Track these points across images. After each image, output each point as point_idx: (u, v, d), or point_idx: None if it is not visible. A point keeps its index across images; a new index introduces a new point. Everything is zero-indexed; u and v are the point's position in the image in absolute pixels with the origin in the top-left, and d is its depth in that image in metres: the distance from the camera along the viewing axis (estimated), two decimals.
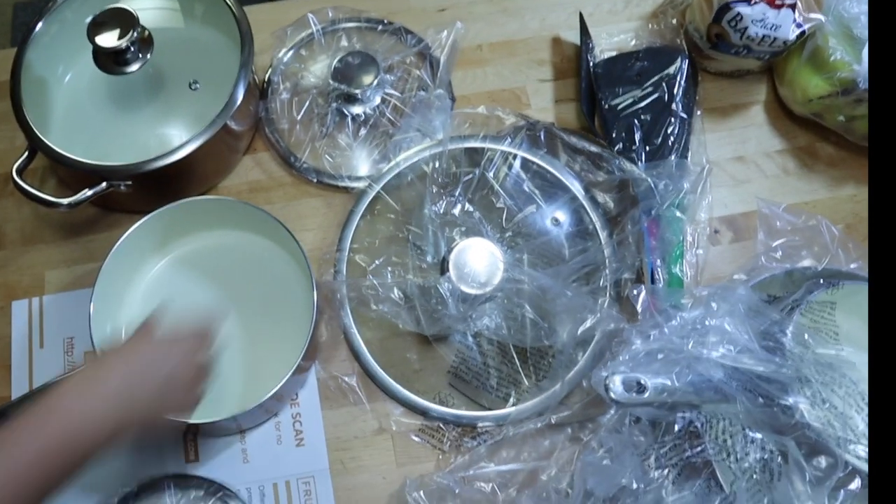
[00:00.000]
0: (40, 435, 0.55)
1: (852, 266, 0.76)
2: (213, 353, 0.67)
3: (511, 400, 0.77)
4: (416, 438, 0.77)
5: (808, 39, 0.83)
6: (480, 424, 0.76)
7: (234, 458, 0.77)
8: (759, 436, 0.64)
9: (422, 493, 0.71)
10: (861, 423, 0.65)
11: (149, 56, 0.82)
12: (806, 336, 0.66)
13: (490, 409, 0.77)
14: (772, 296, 0.74)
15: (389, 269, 0.79)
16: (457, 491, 0.71)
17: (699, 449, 0.66)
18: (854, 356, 0.68)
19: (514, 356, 0.78)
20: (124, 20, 0.79)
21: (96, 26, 0.79)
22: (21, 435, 0.55)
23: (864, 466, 0.63)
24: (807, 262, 0.77)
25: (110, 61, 0.81)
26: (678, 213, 0.78)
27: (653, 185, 0.77)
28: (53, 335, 0.81)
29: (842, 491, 0.62)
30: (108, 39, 0.78)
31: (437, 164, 0.81)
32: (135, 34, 0.78)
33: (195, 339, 0.66)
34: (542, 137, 0.84)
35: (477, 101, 0.89)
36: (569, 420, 0.74)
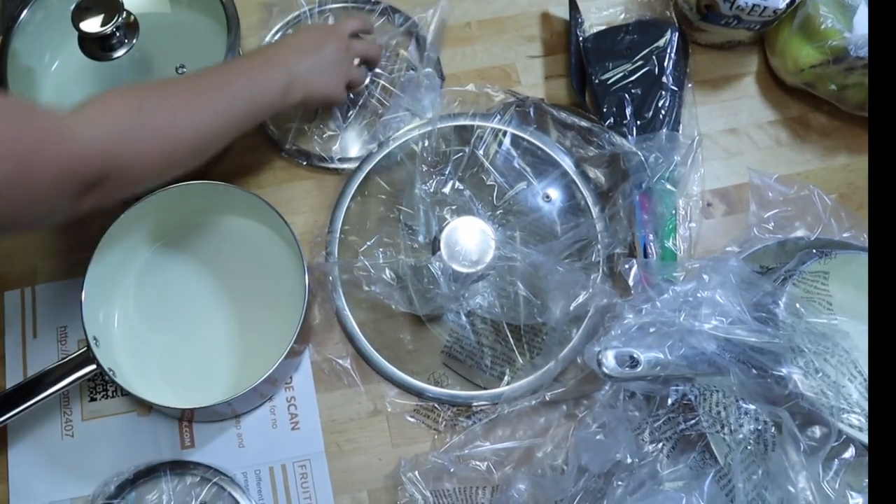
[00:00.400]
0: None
1: (845, 235, 0.75)
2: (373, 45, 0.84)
3: (506, 378, 0.77)
4: (412, 419, 0.77)
5: (799, 8, 0.82)
6: (475, 403, 0.76)
7: (229, 443, 0.77)
8: (752, 407, 0.64)
9: (417, 472, 0.71)
10: (854, 391, 0.65)
11: (135, 41, 0.81)
12: (798, 306, 0.65)
13: (485, 388, 0.77)
14: (764, 267, 0.74)
15: (381, 249, 0.79)
16: (452, 470, 0.71)
17: (693, 422, 0.65)
18: (847, 325, 0.68)
19: (508, 334, 0.77)
20: (109, 5, 0.78)
21: (81, 12, 0.78)
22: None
23: (859, 435, 0.63)
24: (800, 233, 0.76)
25: (96, 47, 0.81)
26: (669, 186, 0.77)
27: (643, 159, 0.76)
28: (47, 325, 0.81)
29: (836, 460, 0.62)
30: (93, 25, 0.78)
31: (426, 144, 0.81)
32: (119, 19, 0.78)
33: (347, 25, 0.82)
34: (532, 114, 0.84)
35: (466, 79, 0.89)
36: (563, 397, 0.74)
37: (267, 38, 0.91)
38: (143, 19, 0.82)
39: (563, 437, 0.73)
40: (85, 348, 0.72)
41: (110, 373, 0.71)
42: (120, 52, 0.81)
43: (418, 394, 0.77)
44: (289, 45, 0.78)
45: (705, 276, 0.66)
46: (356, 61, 0.83)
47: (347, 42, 0.80)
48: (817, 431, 0.63)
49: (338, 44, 0.78)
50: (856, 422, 0.63)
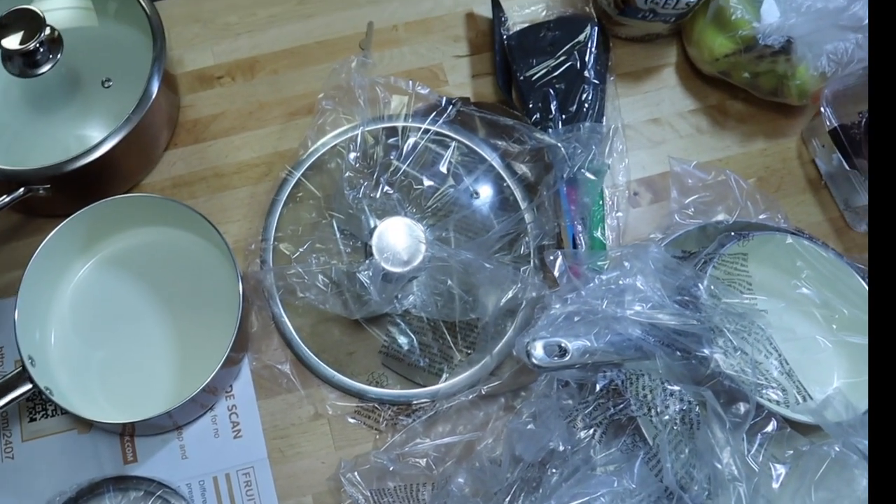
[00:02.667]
0: None
1: (762, 217, 0.78)
2: None
3: (444, 375, 0.78)
4: (353, 420, 0.77)
5: (711, 0, 0.84)
6: (415, 401, 0.77)
7: (172, 455, 0.77)
8: (677, 388, 0.65)
9: (356, 473, 0.71)
10: (772, 367, 0.67)
11: (59, 56, 0.80)
12: (713, 288, 0.67)
13: (423, 386, 0.78)
14: (687, 251, 0.76)
15: (314, 255, 0.79)
16: (392, 468, 0.72)
17: (622, 406, 0.67)
18: (767, 304, 0.71)
19: (445, 331, 0.79)
20: (30, 21, 0.77)
21: (1, 28, 0.77)
22: None
23: (778, 409, 0.65)
24: (719, 217, 0.79)
25: (20, 64, 0.80)
26: (590, 175, 0.79)
27: (564, 151, 0.78)
28: None
29: (759, 434, 0.64)
30: (14, 41, 0.77)
31: (353, 146, 0.82)
32: (42, 35, 0.77)
33: None
34: (459, 113, 0.85)
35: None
36: (499, 390, 0.75)
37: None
38: (68, 34, 0.82)
39: (501, 430, 0.74)
40: (20, 368, 0.72)
41: (47, 391, 0.70)
42: (45, 68, 0.80)
43: (359, 395, 0.78)
44: None
45: (626, 264, 0.68)
46: None
47: None
48: (740, 408, 0.65)
49: None
50: (774, 396, 0.66)
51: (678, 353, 0.66)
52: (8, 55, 0.79)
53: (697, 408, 0.65)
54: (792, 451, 0.65)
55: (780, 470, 0.64)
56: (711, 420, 0.64)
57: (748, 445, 0.64)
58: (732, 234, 0.74)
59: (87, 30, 0.88)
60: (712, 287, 0.68)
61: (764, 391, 0.66)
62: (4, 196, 0.78)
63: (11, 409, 0.77)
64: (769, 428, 0.64)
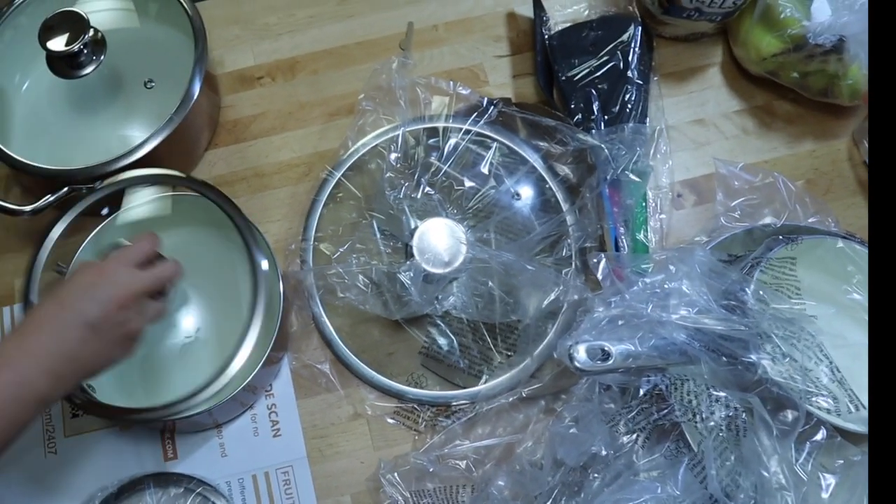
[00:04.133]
0: None
1: (811, 220, 0.76)
2: (162, 280, 0.66)
3: (484, 377, 0.78)
4: (392, 421, 0.77)
5: None
6: (454, 403, 0.77)
7: (212, 452, 0.77)
8: (723, 394, 0.64)
9: (396, 474, 0.71)
10: (822, 374, 0.66)
11: (102, 57, 0.81)
12: (762, 292, 0.66)
13: (463, 387, 0.77)
14: (733, 255, 0.75)
15: (354, 256, 0.79)
16: (432, 470, 0.72)
17: (666, 411, 0.66)
18: (816, 309, 0.69)
19: (485, 333, 0.78)
20: (75, 23, 0.78)
21: (47, 31, 0.78)
22: None
23: (828, 417, 0.64)
24: (766, 220, 0.77)
25: (64, 65, 0.81)
26: (634, 177, 0.78)
27: (608, 152, 0.77)
28: None
29: (807, 443, 0.63)
30: (60, 43, 0.78)
31: (393, 147, 0.81)
32: (86, 37, 0.78)
33: (134, 256, 0.65)
34: (500, 114, 0.84)
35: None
36: (540, 392, 0.75)
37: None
38: (111, 35, 0.83)
39: (542, 433, 0.74)
40: None
41: (90, 389, 0.71)
42: (88, 70, 0.81)
43: (398, 396, 0.78)
44: (57, 330, 0.59)
45: (672, 267, 0.67)
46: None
47: (128, 296, 0.62)
48: (788, 415, 0.64)
49: (114, 310, 0.61)
50: (824, 404, 0.64)
51: (724, 358, 0.65)
52: (53, 57, 0.80)
53: (744, 414, 0.64)
54: (842, 461, 0.63)
55: (830, 480, 0.63)
56: (758, 427, 0.63)
57: (796, 454, 0.62)
58: (780, 237, 0.72)
59: (130, 31, 0.89)
60: (760, 291, 0.66)
61: (814, 399, 0.64)
62: (49, 195, 0.79)
63: (55, 406, 0.78)
64: (818, 436, 0.63)
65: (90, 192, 0.80)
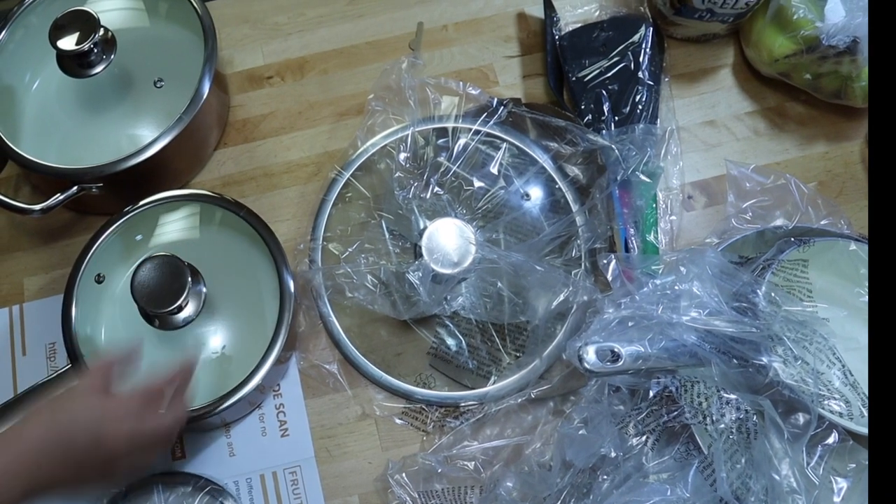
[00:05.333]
0: None
1: (823, 223, 0.76)
2: (174, 416, 0.62)
3: (492, 377, 0.77)
4: (400, 421, 0.77)
5: None
6: (463, 404, 0.77)
7: (220, 452, 0.77)
8: (734, 397, 0.64)
9: (404, 475, 0.71)
10: (834, 378, 0.65)
11: (112, 57, 0.82)
12: (774, 294, 0.65)
13: (472, 388, 0.77)
14: (744, 257, 0.74)
15: (363, 255, 0.79)
16: (440, 470, 0.71)
17: (676, 413, 0.66)
18: (828, 312, 0.69)
19: (493, 334, 0.78)
20: (85, 22, 0.79)
21: (57, 30, 0.78)
22: None
23: (840, 421, 0.63)
24: (778, 222, 0.77)
25: (74, 64, 0.81)
26: (644, 178, 0.78)
27: (618, 153, 0.77)
28: (35, 342, 0.81)
29: (819, 446, 0.62)
30: (70, 42, 0.78)
31: (403, 147, 0.81)
32: (96, 36, 0.78)
33: (146, 397, 0.60)
34: (510, 114, 0.84)
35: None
36: (549, 394, 0.74)
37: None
38: (121, 35, 0.83)
39: (550, 434, 0.73)
40: (71, 364, 0.72)
41: None
42: (98, 69, 0.81)
43: (406, 396, 0.78)
44: (42, 444, 0.56)
45: (682, 269, 0.66)
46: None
47: (124, 450, 0.59)
48: (799, 419, 0.63)
49: (107, 458, 0.58)
50: (836, 408, 0.64)
51: (735, 360, 0.65)
52: (63, 56, 0.80)
53: (755, 417, 0.64)
54: (854, 465, 0.63)
55: (842, 484, 0.62)
56: (769, 430, 0.62)
57: (807, 457, 0.62)
58: (792, 239, 0.72)
59: (140, 30, 0.89)
60: (772, 293, 0.66)
61: (826, 402, 0.64)
62: (58, 194, 0.79)
63: None
64: (830, 440, 0.62)
65: (99, 190, 0.81)
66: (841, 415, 0.64)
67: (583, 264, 0.78)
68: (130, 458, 0.60)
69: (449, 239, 0.74)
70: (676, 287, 0.66)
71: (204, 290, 0.74)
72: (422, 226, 0.77)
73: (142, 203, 0.79)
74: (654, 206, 0.80)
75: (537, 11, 0.93)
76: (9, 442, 0.56)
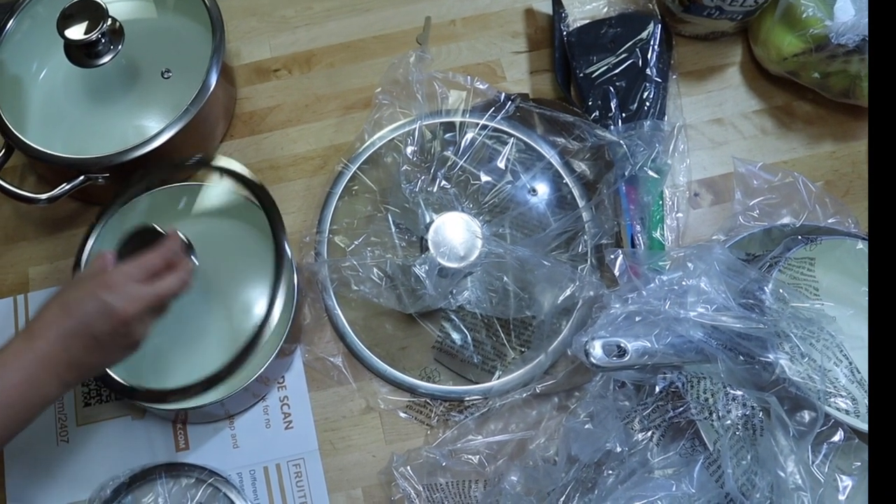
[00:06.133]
0: None
1: (830, 221, 0.76)
2: (178, 276, 0.66)
3: (497, 372, 0.77)
4: (404, 415, 0.77)
5: None
6: (467, 398, 0.77)
7: (223, 444, 0.77)
8: (740, 393, 0.64)
9: (409, 468, 0.71)
10: (841, 375, 0.65)
11: (120, 47, 0.81)
12: (781, 291, 0.65)
13: (476, 383, 0.77)
14: (751, 254, 0.74)
15: (369, 249, 0.79)
16: (444, 464, 0.71)
17: (682, 409, 0.66)
18: (834, 310, 0.69)
19: (499, 328, 0.78)
20: (93, 12, 0.79)
21: (65, 19, 0.78)
22: None
23: (847, 419, 0.63)
24: (785, 220, 0.77)
25: (82, 54, 0.81)
26: (652, 174, 0.78)
27: (626, 148, 0.76)
28: None
29: (825, 444, 0.62)
30: (78, 32, 0.78)
31: (410, 141, 0.81)
32: (104, 26, 0.78)
33: (142, 265, 0.64)
34: (517, 109, 0.84)
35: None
36: (554, 389, 0.74)
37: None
38: (129, 25, 0.83)
39: (555, 429, 0.73)
40: None
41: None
42: (106, 59, 0.81)
43: (410, 390, 0.77)
44: (63, 337, 0.60)
45: (690, 265, 0.66)
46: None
47: (132, 314, 0.62)
48: (805, 416, 0.63)
49: (118, 325, 0.61)
50: (843, 405, 0.64)
51: (741, 357, 0.65)
52: (71, 46, 0.80)
53: (761, 414, 0.64)
54: (860, 463, 0.63)
55: (847, 482, 0.62)
56: (775, 427, 0.62)
57: (813, 455, 0.62)
58: (799, 237, 0.72)
59: (147, 21, 0.89)
60: (780, 290, 0.66)
61: (832, 399, 0.64)
62: (64, 184, 0.79)
63: (67, 394, 0.78)
64: (836, 438, 0.62)
65: (105, 180, 0.80)
66: (847, 412, 0.64)
67: (589, 260, 0.78)
68: (144, 320, 0.64)
69: (455, 233, 0.74)
70: (684, 283, 0.66)
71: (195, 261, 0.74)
72: (428, 220, 0.77)
73: (145, 189, 0.79)
74: (661, 202, 0.80)
75: (545, 7, 0.93)
76: (31, 339, 0.60)
